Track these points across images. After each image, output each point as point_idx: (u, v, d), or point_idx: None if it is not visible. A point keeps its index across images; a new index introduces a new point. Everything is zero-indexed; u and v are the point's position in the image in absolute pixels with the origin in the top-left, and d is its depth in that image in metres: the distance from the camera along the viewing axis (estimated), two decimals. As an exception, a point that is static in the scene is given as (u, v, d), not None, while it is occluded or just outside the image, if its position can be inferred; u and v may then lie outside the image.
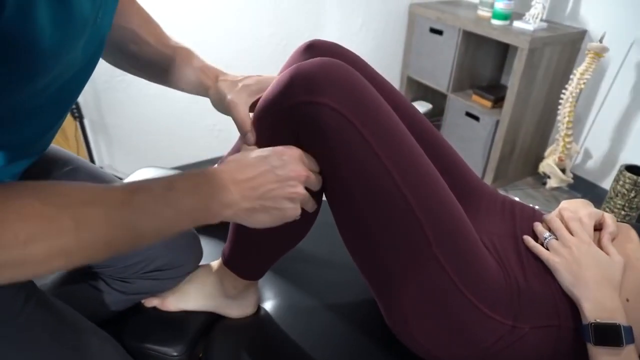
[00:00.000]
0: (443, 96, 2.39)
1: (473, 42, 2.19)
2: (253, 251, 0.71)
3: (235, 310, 0.78)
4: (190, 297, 0.78)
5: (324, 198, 0.66)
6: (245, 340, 0.75)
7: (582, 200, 0.76)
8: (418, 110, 0.79)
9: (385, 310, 0.67)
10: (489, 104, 2.16)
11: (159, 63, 0.72)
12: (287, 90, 0.56)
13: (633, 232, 0.68)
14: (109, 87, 1.86)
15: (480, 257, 0.61)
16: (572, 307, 0.62)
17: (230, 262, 0.72)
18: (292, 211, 0.55)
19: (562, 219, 0.70)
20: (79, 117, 1.71)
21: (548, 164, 2.07)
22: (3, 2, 0.34)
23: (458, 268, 0.58)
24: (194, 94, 0.75)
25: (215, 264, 0.78)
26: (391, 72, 2.61)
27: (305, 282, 0.86)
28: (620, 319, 0.57)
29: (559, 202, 2.28)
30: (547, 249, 0.67)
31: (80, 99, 1.72)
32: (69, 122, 1.84)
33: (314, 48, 0.75)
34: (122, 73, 0.79)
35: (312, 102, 0.55)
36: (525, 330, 0.61)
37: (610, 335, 0.56)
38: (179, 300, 0.78)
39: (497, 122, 2.10)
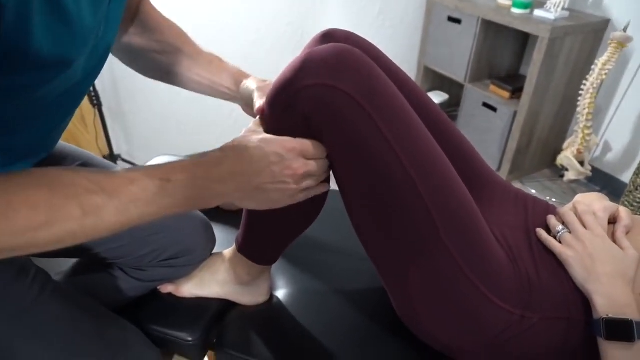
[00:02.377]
0: (460, 86, 2.35)
1: (492, 31, 2.15)
2: (266, 236, 0.72)
3: (248, 298, 0.80)
4: (204, 284, 0.80)
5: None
6: (258, 327, 0.76)
7: (597, 194, 0.75)
8: (432, 100, 0.78)
9: (394, 297, 0.67)
10: (506, 94, 2.13)
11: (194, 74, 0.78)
12: (300, 74, 0.56)
13: (649, 227, 0.67)
14: (127, 75, 1.89)
15: (489, 247, 0.61)
16: (584, 300, 0.61)
17: (244, 248, 0.73)
18: (283, 201, 0.58)
19: (576, 213, 0.69)
20: (98, 104, 1.74)
21: (566, 156, 2.03)
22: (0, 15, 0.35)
23: (466, 256, 0.59)
24: (225, 98, 0.80)
25: (228, 251, 0.80)
26: (408, 62, 2.58)
27: (316, 270, 0.87)
28: (632, 315, 0.57)
29: (576, 195, 2.25)
30: (560, 242, 0.66)
31: (99, 87, 1.75)
32: (87, 109, 1.88)
33: (330, 37, 0.75)
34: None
35: (326, 85, 0.55)
36: (534, 321, 0.61)
37: (622, 330, 0.56)
38: (193, 287, 0.80)
39: (515, 113, 2.06)
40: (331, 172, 0.64)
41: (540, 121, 2.09)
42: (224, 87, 0.78)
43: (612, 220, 0.69)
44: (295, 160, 0.56)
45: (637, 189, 1.85)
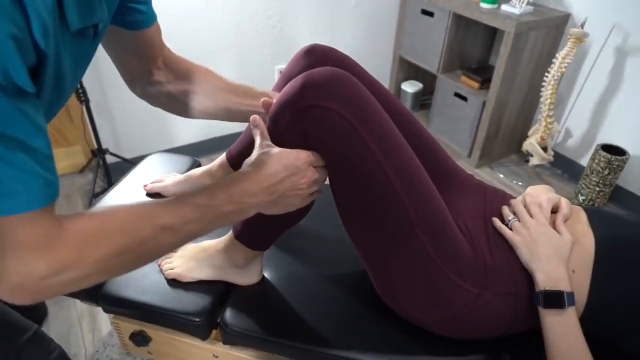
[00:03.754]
0: (433, 76, 2.47)
1: (463, 24, 2.27)
2: (262, 226, 0.82)
3: (243, 279, 0.90)
4: (203, 269, 0.90)
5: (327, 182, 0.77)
6: (255, 306, 0.87)
7: (545, 186, 0.88)
8: (401, 104, 0.89)
9: (375, 279, 0.79)
10: (476, 85, 2.26)
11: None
12: (300, 95, 0.66)
13: (583, 214, 0.80)
14: (113, 71, 1.93)
15: (453, 236, 0.74)
16: (528, 277, 0.74)
17: (241, 235, 0.84)
18: (298, 204, 0.69)
19: (524, 204, 0.82)
20: (85, 100, 1.78)
21: (531, 143, 2.19)
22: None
23: (435, 246, 0.71)
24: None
25: (224, 239, 0.89)
26: (383, 52, 2.68)
27: (303, 255, 0.98)
28: (565, 287, 0.70)
29: (540, 178, 2.42)
30: (511, 229, 0.79)
31: (86, 84, 1.80)
32: (74, 105, 1.92)
33: (313, 52, 0.84)
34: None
35: (323, 107, 0.65)
36: (488, 297, 0.73)
37: (556, 299, 0.69)
38: (194, 271, 0.90)
39: (484, 103, 2.20)
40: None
41: (507, 110, 2.24)
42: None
43: (555, 210, 0.82)
44: (308, 170, 0.67)
45: (592, 173, 2.03)
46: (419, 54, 2.51)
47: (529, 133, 2.24)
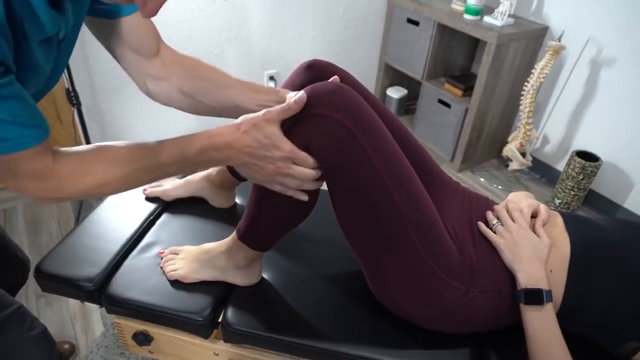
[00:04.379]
0: (418, 83, 2.55)
1: (447, 33, 2.36)
2: (265, 228, 0.86)
3: (243, 279, 0.95)
4: (204, 270, 0.94)
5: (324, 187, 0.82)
6: (255, 305, 0.92)
7: (525, 192, 0.95)
8: (393, 114, 0.95)
9: (370, 278, 0.85)
10: (459, 92, 2.34)
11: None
12: (307, 103, 0.71)
13: (559, 219, 0.87)
14: (104, 73, 1.95)
15: (443, 239, 0.80)
16: (510, 277, 0.81)
17: (245, 236, 0.88)
18: (260, 180, 0.76)
19: (507, 209, 0.89)
20: (77, 104, 1.79)
21: (510, 149, 2.28)
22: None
23: (427, 247, 0.77)
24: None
25: (226, 241, 0.93)
26: (370, 59, 2.75)
27: (300, 257, 1.03)
28: (544, 286, 0.77)
29: (519, 182, 2.52)
30: (495, 232, 0.86)
31: (78, 87, 1.81)
32: (65, 109, 1.93)
33: (314, 67, 0.90)
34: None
35: (327, 116, 0.71)
36: (475, 294, 0.80)
37: (536, 297, 0.76)
38: (196, 273, 0.94)
39: (467, 110, 2.29)
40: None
41: (488, 117, 2.33)
42: (273, 101, 0.87)
43: (534, 215, 0.89)
44: (282, 161, 0.72)
45: (568, 178, 2.13)
46: (404, 62, 2.59)
47: (509, 139, 2.33)
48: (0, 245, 1.11)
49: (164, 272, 0.95)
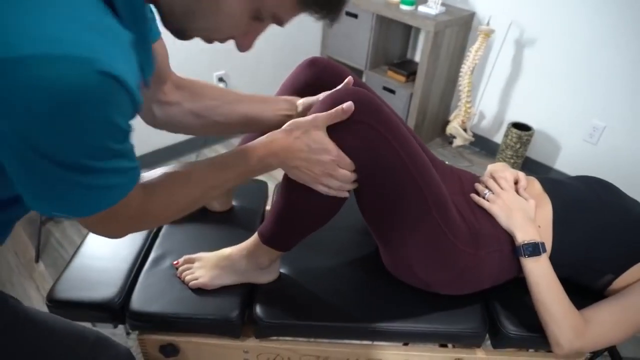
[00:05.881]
0: (360, 72, 2.67)
1: (385, 24, 2.49)
2: (291, 230, 0.91)
3: (264, 277, 0.98)
4: (226, 275, 0.96)
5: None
6: (281, 299, 0.96)
7: (502, 163, 1.08)
8: (390, 105, 1.04)
9: (392, 256, 0.93)
10: (403, 79, 2.49)
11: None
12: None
13: (537, 183, 1.01)
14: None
15: (453, 212, 0.90)
16: (508, 237, 0.93)
17: (270, 240, 0.91)
18: (308, 182, 0.80)
19: (493, 179, 1.01)
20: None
21: (454, 127, 2.48)
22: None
23: (445, 221, 0.86)
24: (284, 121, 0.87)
25: (247, 245, 0.96)
26: (312, 53, 2.82)
27: (311, 245, 1.07)
28: (538, 239, 0.90)
29: (463, 157, 2.73)
30: (487, 200, 0.98)
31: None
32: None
33: (315, 65, 0.96)
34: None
35: (359, 121, 0.76)
36: (482, 255, 0.91)
37: (534, 249, 0.89)
38: (218, 279, 0.96)
39: (411, 95, 2.44)
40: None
41: (430, 100, 2.51)
42: (284, 109, 0.91)
43: (515, 182, 1.02)
44: (330, 164, 0.77)
45: (507, 148, 2.36)
46: (346, 53, 2.69)
47: (450, 118, 2.53)
48: None
49: (183, 282, 0.96)
